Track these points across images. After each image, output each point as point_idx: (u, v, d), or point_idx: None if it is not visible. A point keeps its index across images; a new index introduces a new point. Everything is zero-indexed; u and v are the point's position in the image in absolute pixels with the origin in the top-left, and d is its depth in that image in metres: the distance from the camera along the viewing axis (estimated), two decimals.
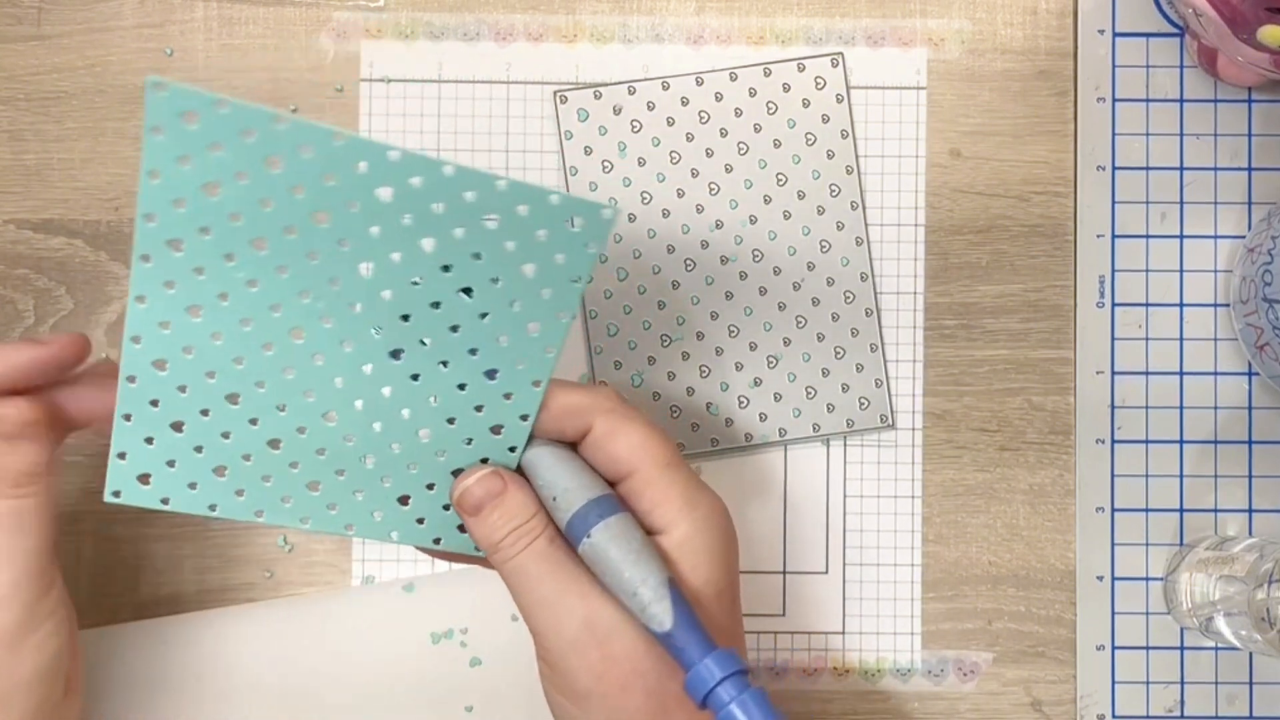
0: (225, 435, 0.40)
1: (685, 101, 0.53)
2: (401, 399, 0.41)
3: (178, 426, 0.40)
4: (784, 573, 0.52)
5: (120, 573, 0.52)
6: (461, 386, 0.41)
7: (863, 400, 0.52)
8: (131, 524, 0.52)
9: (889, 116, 0.53)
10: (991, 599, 0.52)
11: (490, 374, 0.40)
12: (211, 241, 0.36)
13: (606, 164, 0.52)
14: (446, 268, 0.38)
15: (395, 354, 0.40)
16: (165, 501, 0.41)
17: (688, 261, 0.53)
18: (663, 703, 0.39)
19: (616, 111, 0.52)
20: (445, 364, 0.40)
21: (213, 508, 0.41)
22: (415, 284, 0.38)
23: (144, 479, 0.40)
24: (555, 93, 0.52)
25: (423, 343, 0.40)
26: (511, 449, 0.42)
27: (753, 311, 0.52)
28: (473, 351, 0.40)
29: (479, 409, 0.41)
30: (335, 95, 0.53)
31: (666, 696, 0.39)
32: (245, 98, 0.52)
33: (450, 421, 0.41)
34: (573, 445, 0.42)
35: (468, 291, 0.39)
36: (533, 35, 0.53)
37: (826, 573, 0.52)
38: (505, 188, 0.37)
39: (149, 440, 0.40)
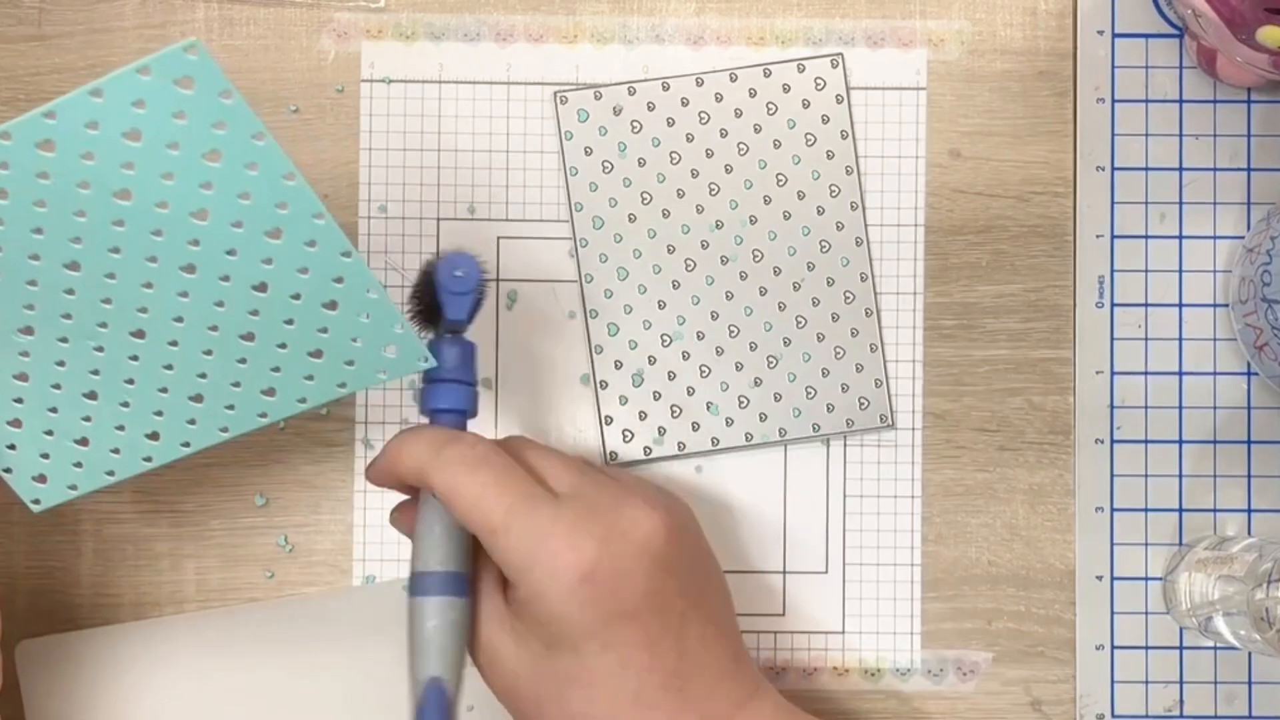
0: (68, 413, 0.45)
1: (685, 102, 0.53)
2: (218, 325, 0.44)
3: (16, 424, 0.44)
4: (784, 572, 0.53)
5: (121, 572, 0.52)
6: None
7: (862, 400, 0.52)
8: (132, 523, 0.52)
9: (889, 117, 0.53)
10: (991, 599, 0.53)
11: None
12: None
13: (607, 164, 0.53)
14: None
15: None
16: (74, 488, 0.46)
17: (688, 261, 0.53)
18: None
19: (616, 112, 0.53)
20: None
21: (110, 474, 0.45)
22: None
23: (40, 479, 0.45)
24: (555, 93, 0.53)
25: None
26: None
27: (753, 311, 0.52)
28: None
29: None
30: (336, 95, 0.53)
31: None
32: (247, 99, 0.52)
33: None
34: None
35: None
36: (533, 36, 0.53)
37: (826, 572, 0.53)
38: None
39: (11, 447, 0.45)
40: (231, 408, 0.45)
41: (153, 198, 0.40)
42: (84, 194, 0.40)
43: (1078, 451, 0.53)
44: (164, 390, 0.44)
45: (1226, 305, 0.53)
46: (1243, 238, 0.53)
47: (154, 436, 0.45)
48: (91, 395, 0.44)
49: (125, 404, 0.44)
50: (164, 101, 0.39)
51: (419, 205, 0.53)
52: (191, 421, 0.45)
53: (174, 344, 0.43)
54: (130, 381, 0.44)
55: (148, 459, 0.45)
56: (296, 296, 0.42)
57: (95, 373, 0.44)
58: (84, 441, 0.45)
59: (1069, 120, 0.53)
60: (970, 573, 0.53)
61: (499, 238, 0.53)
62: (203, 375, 0.44)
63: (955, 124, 0.53)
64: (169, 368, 0.44)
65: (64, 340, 0.43)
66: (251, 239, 0.41)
